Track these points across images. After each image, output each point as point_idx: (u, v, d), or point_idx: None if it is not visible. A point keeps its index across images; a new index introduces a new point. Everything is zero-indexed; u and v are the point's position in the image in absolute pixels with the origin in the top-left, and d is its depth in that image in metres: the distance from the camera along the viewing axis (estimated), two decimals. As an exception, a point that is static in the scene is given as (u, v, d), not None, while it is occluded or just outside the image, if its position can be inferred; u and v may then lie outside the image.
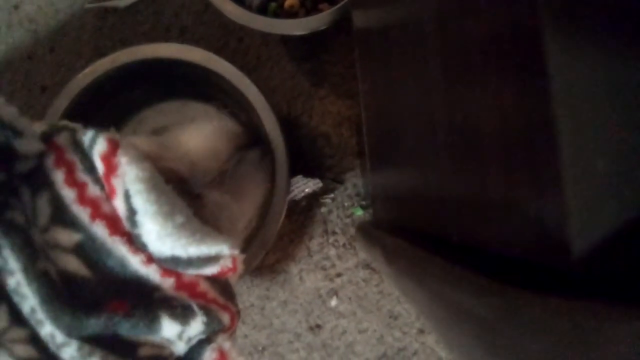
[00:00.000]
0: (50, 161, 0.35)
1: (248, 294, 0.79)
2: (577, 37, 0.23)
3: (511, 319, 0.26)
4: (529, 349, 0.25)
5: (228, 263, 0.38)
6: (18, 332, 0.30)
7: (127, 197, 0.34)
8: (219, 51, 0.74)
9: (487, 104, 0.29)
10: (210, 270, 0.37)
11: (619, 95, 0.23)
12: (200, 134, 0.47)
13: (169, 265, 0.35)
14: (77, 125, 0.37)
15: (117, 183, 0.34)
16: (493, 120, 0.28)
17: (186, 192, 0.38)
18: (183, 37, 0.80)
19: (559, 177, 0.23)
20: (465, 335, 0.33)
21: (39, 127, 0.36)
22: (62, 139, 0.36)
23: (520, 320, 0.25)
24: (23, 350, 0.30)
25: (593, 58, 0.23)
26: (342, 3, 0.65)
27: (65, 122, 0.38)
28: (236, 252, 0.38)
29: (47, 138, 0.36)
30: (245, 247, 0.63)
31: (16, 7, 0.81)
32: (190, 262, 0.36)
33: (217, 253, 0.37)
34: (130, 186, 0.34)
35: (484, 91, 0.29)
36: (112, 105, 0.71)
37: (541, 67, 0.23)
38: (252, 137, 0.54)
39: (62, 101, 0.64)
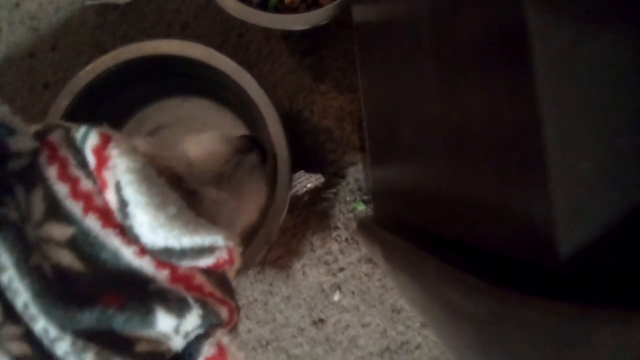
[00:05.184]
0: (43, 158, 0.35)
1: (251, 289, 0.79)
2: (563, 36, 0.23)
3: (502, 318, 0.26)
4: (520, 349, 0.25)
5: (223, 254, 0.37)
6: (12, 329, 0.30)
7: (118, 188, 0.34)
8: (219, 47, 0.74)
9: (478, 102, 0.29)
10: (205, 261, 0.37)
11: (604, 97, 0.23)
12: (199, 139, 0.47)
13: (163, 256, 0.35)
14: (71, 124, 0.37)
15: (108, 175, 0.34)
16: (484, 119, 0.28)
17: (181, 189, 0.38)
18: (184, 33, 0.80)
19: (545, 178, 0.23)
20: (459, 333, 0.33)
21: (34, 127, 0.36)
22: (55, 136, 0.36)
23: (510, 320, 0.25)
24: (17, 347, 0.30)
25: (578, 55, 0.23)
26: (342, -3, 0.65)
27: (60, 122, 0.38)
28: (231, 243, 0.38)
29: (40, 136, 0.36)
30: (248, 242, 0.63)
31: (17, 5, 0.81)
32: (184, 253, 0.35)
33: (211, 244, 0.36)
34: (121, 177, 0.34)
35: (475, 89, 0.29)
36: (114, 102, 0.71)
37: (527, 65, 0.23)
38: (252, 142, 0.54)
39: (64, 99, 0.64)
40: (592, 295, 0.22)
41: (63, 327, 0.30)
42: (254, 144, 0.55)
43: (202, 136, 0.48)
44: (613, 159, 0.23)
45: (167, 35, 0.80)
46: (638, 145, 0.23)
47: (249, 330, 0.78)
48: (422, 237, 0.40)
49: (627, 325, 0.20)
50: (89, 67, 0.65)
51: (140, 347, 0.33)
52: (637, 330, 0.19)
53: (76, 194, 0.35)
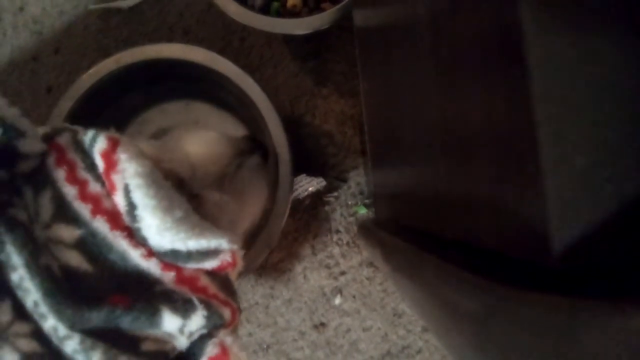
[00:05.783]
0: (51, 160, 0.35)
1: (252, 292, 0.79)
2: (557, 35, 0.23)
3: (499, 314, 0.26)
4: (517, 344, 0.25)
5: (227, 257, 0.38)
6: (22, 327, 0.31)
7: (126, 191, 0.35)
8: (222, 51, 0.74)
9: (476, 103, 0.29)
10: (210, 264, 0.37)
11: (597, 94, 0.23)
12: (200, 140, 0.48)
13: (169, 259, 0.36)
14: (78, 127, 0.38)
15: (117, 179, 0.35)
16: (482, 119, 0.29)
17: (185, 192, 0.39)
18: (186, 37, 0.80)
19: (539, 174, 0.23)
20: (458, 332, 0.33)
21: (41, 130, 0.37)
22: (63, 139, 0.37)
23: (508, 316, 0.25)
24: (26, 344, 0.30)
25: (573, 56, 0.23)
26: (344, 2, 0.65)
27: (66, 125, 0.38)
28: (235, 246, 0.39)
29: (48, 139, 0.36)
30: (249, 245, 0.63)
31: (21, 8, 0.81)
32: (190, 255, 0.36)
33: (216, 247, 0.37)
34: (130, 181, 0.35)
35: (474, 90, 0.29)
36: (116, 105, 0.71)
37: (524, 66, 0.23)
38: (253, 143, 0.54)
39: (67, 102, 0.64)
40: (586, 289, 0.22)
41: (72, 325, 0.31)
42: (256, 144, 0.55)
43: (203, 137, 0.49)
44: (606, 154, 0.23)
45: (170, 39, 0.80)
46: (631, 140, 0.23)
47: (250, 334, 0.78)
48: (421, 238, 0.40)
49: (621, 317, 0.20)
50: (91, 71, 0.65)
51: (146, 346, 0.33)
52: (631, 322, 0.20)
53: (85, 196, 0.35)
